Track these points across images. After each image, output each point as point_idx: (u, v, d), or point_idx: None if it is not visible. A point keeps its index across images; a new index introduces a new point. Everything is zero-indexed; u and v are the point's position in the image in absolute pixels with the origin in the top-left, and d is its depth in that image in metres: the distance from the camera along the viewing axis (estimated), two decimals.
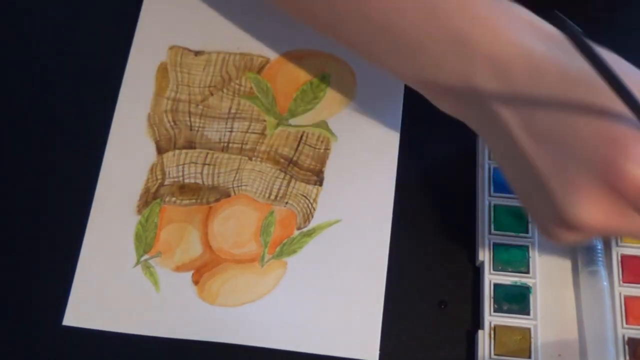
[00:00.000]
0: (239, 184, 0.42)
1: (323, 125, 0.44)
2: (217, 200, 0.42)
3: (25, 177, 0.43)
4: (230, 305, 0.39)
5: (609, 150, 0.27)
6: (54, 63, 0.46)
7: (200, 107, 0.44)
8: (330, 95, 0.44)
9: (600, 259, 0.38)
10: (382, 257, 0.40)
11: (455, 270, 0.40)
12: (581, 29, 0.25)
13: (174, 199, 0.42)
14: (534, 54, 0.29)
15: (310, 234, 0.41)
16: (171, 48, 0.46)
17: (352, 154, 0.43)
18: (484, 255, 0.39)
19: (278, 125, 0.44)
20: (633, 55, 0.29)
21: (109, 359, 0.39)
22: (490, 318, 0.37)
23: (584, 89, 0.28)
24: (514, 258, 0.39)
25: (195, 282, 0.40)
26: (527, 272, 0.38)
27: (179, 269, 0.40)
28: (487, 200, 0.40)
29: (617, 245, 0.39)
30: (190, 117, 0.44)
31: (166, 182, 0.42)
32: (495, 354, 0.37)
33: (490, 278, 0.38)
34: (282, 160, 0.43)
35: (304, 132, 0.43)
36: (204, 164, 0.43)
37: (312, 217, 0.41)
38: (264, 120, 0.44)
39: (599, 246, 0.38)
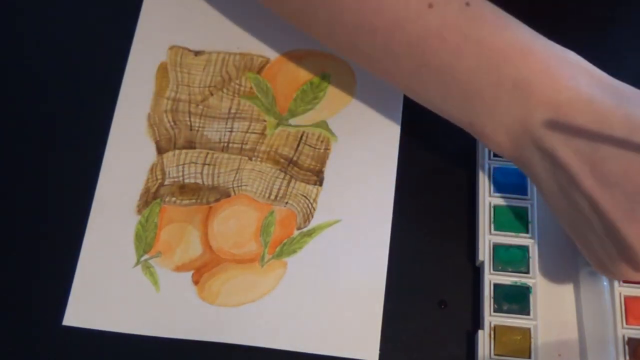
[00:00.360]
0: (239, 184, 0.42)
1: (323, 125, 0.44)
2: (217, 200, 0.42)
3: (25, 177, 0.43)
4: (230, 305, 0.39)
5: None
6: (54, 63, 0.46)
7: (200, 107, 0.44)
8: (330, 95, 0.44)
9: None
10: (382, 257, 0.40)
11: (455, 270, 0.40)
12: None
13: (174, 199, 0.42)
14: (595, 99, 0.30)
15: (310, 234, 0.41)
16: (171, 48, 0.46)
17: (352, 154, 0.43)
18: (484, 255, 0.39)
19: (278, 125, 0.44)
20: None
21: (109, 359, 0.39)
22: (490, 318, 0.37)
23: None
24: (514, 258, 0.39)
25: (195, 282, 0.40)
26: (527, 272, 0.38)
27: (179, 269, 0.40)
28: (487, 200, 0.40)
29: None
30: (190, 117, 0.44)
31: (166, 182, 0.42)
32: (495, 354, 0.37)
33: (490, 278, 0.38)
34: (282, 160, 0.43)
35: (304, 132, 0.43)
36: (204, 164, 0.43)
37: (312, 217, 0.41)
38: (264, 120, 0.44)
39: None
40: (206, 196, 0.42)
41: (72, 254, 0.41)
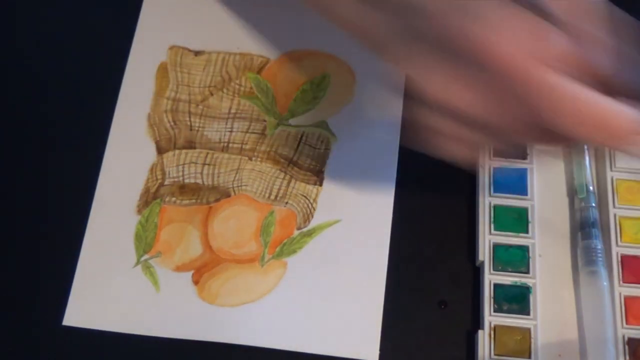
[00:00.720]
0: (239, 184, 0.42)
1: (323, 125, 0.44)
2: (217, 200, 0.42)
3: (25, 177, 0.43)
4: (230, 305, 0.39)
5: None
6: (54, 63, 0.46)
7: (200, 107, 0.44)
8: (330, 95, 0.44)
9: (600, 259, 0.38)
10: (382, 257, 0.40)
11: (455, 270, 0.40)
12: None
13: (174, 199, 0.42)
14: None
15: (310, 234, 0.41)
16: (171, 48, 0.46)
17: (352, 154, 0.43)
18: (484, 255, 0.39)
19: (278, 125, 0.44)
20: None
21: (109, 359, 0.39)
22: (490, 318, 0.38)
23: None
24: (514, 258, 0.39)
25: (195, 282, 0.40)
26: (527, 272, 0.38)
27: (179, 269, 0.40)
28: (487, 200, 0.40)
29: (617, 245, 0.39)
30: (190, 117, 0.44)
31: (166, 182, 0.42)
32: (495, 354, 0.37)
33: (490, 278, 0.38)
34: (282, 160, 0.43)
35: (304, 132, 0.44)
36: (204, 164, 0.43)
37: (312, 217, 0.41)
38: (264, 120, 0.44)
39: (599, 246, 0.38)
40: (206, 196, 0.42)
41: (72, 254, 0.41)
